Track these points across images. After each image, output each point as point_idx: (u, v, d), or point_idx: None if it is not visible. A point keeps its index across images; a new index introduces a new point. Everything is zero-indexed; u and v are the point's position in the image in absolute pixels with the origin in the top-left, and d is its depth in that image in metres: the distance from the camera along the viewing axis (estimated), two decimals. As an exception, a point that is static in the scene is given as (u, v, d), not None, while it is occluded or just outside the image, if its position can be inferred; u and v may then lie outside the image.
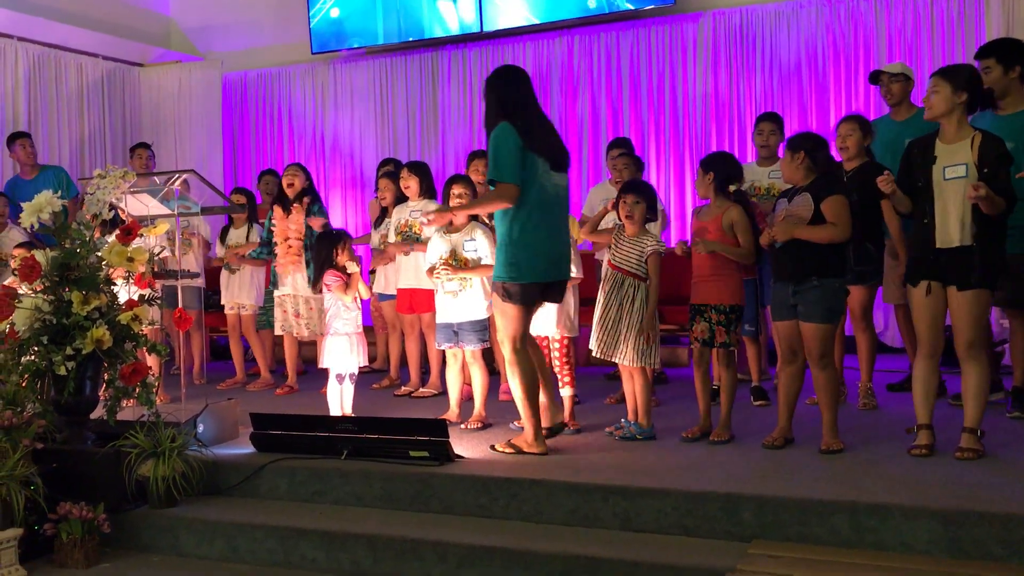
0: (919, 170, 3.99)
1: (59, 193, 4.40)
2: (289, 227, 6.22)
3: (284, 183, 6.36)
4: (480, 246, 4.99)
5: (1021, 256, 4.33)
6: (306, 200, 6.25)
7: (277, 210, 6.31)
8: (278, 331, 6.45)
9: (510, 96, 4.14)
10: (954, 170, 3.89)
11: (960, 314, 3.92)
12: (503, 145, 4.03)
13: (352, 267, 5.09)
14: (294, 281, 6.23)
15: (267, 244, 6.39)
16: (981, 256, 3.85)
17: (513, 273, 4.11)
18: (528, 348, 4.25)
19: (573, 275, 4.73)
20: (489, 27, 8.50)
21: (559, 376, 4.83)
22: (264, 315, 6.84)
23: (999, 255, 3.96)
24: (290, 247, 6.19)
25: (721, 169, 4.50)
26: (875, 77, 5.43)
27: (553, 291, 4.27)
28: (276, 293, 6.39)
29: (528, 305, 4.18)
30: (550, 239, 4.15)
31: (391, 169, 6.64)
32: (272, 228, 6.33)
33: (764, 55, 7.79)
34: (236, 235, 6.75)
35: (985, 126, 4.20)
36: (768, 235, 4.22)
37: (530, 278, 4.12)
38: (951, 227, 3.89)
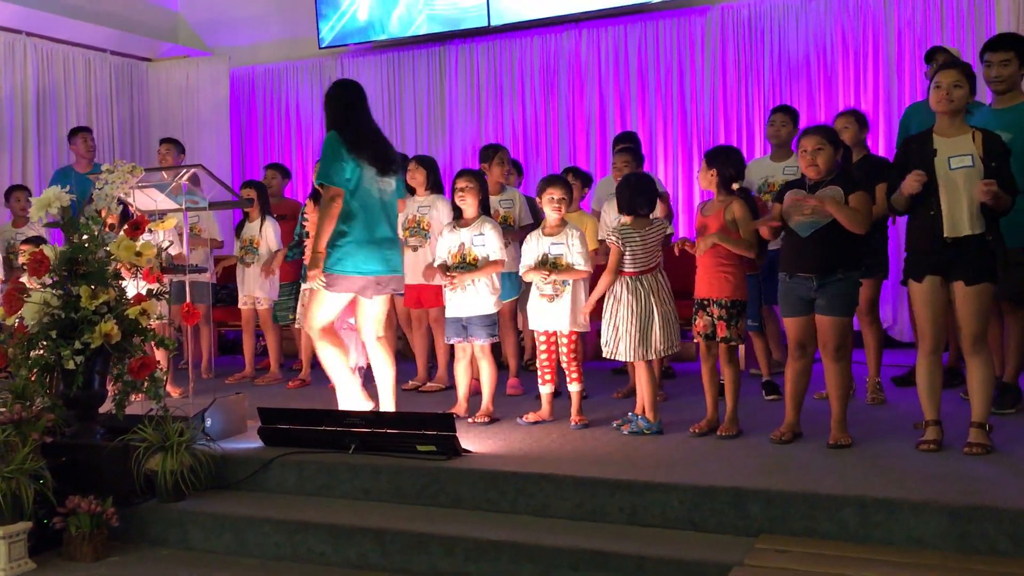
0: (920, 164, 3.97)
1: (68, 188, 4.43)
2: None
3: (313, 177, 6.37)
4: (489, 241, 4.98)
5: (1018, 250, 4.33)
6: None
7: (309, 204, 6.35)
8: (297, 325, 6.46)
9: (342, 108, 4.58)
10: (960, 160, 3.87)
11: (966, 309, 3.90)
12: (330, 152, 4.46)
13: None
14: None
15: (299, 244, 6.40)
16: (991, 247, 3.85)
17: (338, 266, 4.52)
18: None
19: (581, 267, 4.74)
20: (496, 21, 8.49)
21: (567, 372, 4.83)
22: (278, 309, 6.85)
23: (1002, 247, 3.95)
24: None
25: (723, 167, 4.48)
26: (929, 56, 5.42)
27: (381, 284, 4.64)
28: (304, 286, 6.41)
29: (345, 294, 4.59)
30: (374, 237, 4.55)
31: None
32: (304, 223, 6.34)
33: (772, 49, 7.76)
34: (251, 228, 6.75)
35: (983, 118, 4.19)
36: (773, 223, 4.17)
37: (353, 271, 4.52)
38: (963, 215, 3.86)
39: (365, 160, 4.52)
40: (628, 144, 6.04)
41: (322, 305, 4.60)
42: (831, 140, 4.16)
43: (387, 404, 4.73)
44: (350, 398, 4.72)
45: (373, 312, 4.72)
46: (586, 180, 6.34)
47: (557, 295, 4.77)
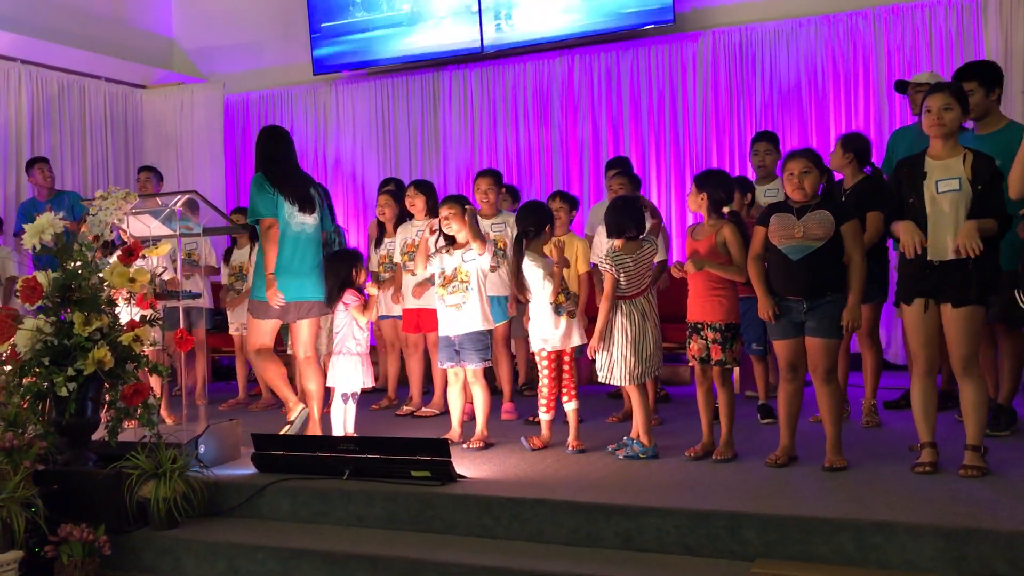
0: (910, 187, 3.99)
1: (61, 215, 4.43)
2: None
3: None
4: (482, 263, 4.99)
5: (1008, 273, 4.34)
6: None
7: None
8: (290, 351, 6.44)
9: (268, 151, 5.11)
10: (947, 184, 3.89)
11: (955, 331, 3.91)
12: (256, 191, 5.00)
13: (372, 289, 5.12)
14: None
15: None
16: (976, 271, 3.85)
17: (259, 293, 5.03)
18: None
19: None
20: (490, 47, 8.55)
21: (564, 389, 4.82)
22: None
23: (993, 270, 3.95)
24: None
25: (714, 190, 4.50)
26: (901, 87, 5.46)
27: (303, 309, 5.11)
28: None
29: (273, 319, 5.09)
30: (292, 267, 5.02)
31: (392, 188, 6.66)
32: None
33: (764, 73, 7.83)
34: (240, 255, 6.76)
35: (966, 144, 4.21)
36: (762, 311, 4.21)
37: (298, 296, 5.03)
38: (946, 240, 3.89)
39: (285, 198, 5.01)
40: (621, 168, 6.07)
41: (253, 330, 5.15)
42: (817, 164, 4.19)
43: (314, 418, 5.13)
44: (298, 418, 5.07)
45: (299, 335, 5.21)
46: (573, 203, 6.37)
47: (465, 302, 4.89)
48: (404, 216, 6.17)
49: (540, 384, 4.93)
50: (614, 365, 4.52)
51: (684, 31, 8.04)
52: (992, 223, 3.84)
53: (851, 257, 4.12)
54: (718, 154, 7.97)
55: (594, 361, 4.66)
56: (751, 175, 6.65)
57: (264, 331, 5.13)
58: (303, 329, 5.19)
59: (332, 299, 5.06)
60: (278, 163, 5.06)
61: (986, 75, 4.73)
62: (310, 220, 5.13)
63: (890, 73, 7.32)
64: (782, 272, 4.17)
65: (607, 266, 4.54)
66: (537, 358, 4.93)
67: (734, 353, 4.45)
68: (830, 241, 4.09)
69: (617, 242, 4.61)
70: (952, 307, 3.90)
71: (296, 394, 5.22)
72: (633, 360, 4.48)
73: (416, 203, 5.95)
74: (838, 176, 5.18)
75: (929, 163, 3.98)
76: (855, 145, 5.05)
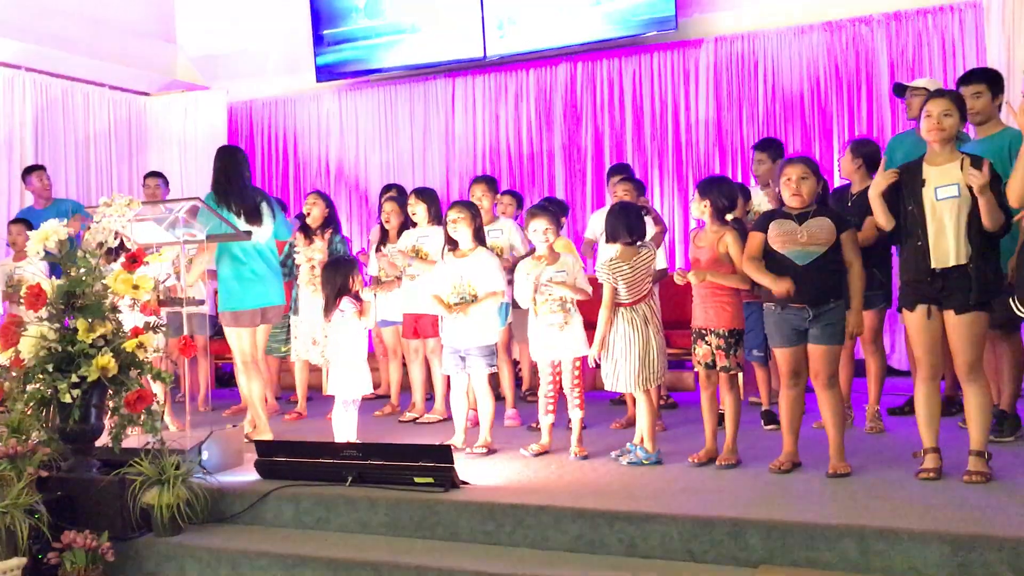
0: (908, 194, 4.00)
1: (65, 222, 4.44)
2: (314, 255, 6.31)
3: (304, 211, 6.50)
4: (487, 272, 5.00)
5: (1003, 277, 4.34)
6: (328, 232, 6.38)
7: (299, 236, 6.45)
8: (293, 357, 6.50)
9: (220, 170, 5.41)
10: (946, 190, 3.90)
11: (958, 337, 3.91)
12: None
13: (368, 295, 5.12)
14: (312, 309, 6.28)
15: (289, 273, 6.55)
16: (977, 276, 3.85)
17: (230, 303, 5.31)
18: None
19: (581, 297, 4.76)
20: (493, 55, 8.57)
21: (569, 398, 4.82)
22: (272, 342, 6.86)
23: (995, 275, 3.96)
24: (315, 274, 6.24)
25: (717, 197, 4.50)
26: (900, 90, 5.49)
27: (268, 314, 5.41)
28: (294, 319, 6.47)
29: (247, 326, 5.33)
30: (250, 275, 5.30)
31: (394, 195, 6.69)
32: (295, 254, 6.49)
33: (766, 80, 7.84)
34: None
35: (967, 150, 4.23)
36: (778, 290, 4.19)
37: (237, 306, 5.30)
38: (948, 246, 3.89)
39: (230, 211, 5.29)
40: (625, 175, 6.08)
41: (236, 341, 5.39)
42: (815, 171, 4.20)
43: (259, 421, 5.37)
44: (260, 423, 5.38)
45: (254, 338, 5.44)
46: (563, 208, 6.40)
47: (566, 323, 4.78)
48: (408, 224, 6.19)
49: (540, 390, 4.93)
50: (619, 372, 4.52)
51: (687, 38, 8.06)
52: (1001, 213, 3.84)
53: (851, 264, 4.14)
54: (720, 161, 7.98)
55: (598, 367, 4.66)
56: (751, 182, 6.66)
57: (245, 340, 5.37)
58: (260, 334, 5.47)
59: (329, 306, 5.07)
60: (228, 180, 5.36)
61: (993, 80, 4.79)
62: (263, 229, 5.38)
63: (893, 80, 7.31)
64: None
65: (605, 276, 4.54)
66: (539, 365, 4.94)
67: (738, 359, 4.46)
68: (832, 247, 4.10)
69: (616, 249, 4.61)
70: (955, 313, 3.90)
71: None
72: (638, 366, 4.48)
73: (417, 211, 5.96)
74: (841, 183, 5.19)
75: (927, 170, 3.99)
76: (864, 151, 5.06)
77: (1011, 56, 6.59)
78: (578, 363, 4.85)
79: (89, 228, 4.59)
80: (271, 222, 5.42)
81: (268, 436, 5.20)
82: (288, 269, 6.61)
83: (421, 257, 5.82)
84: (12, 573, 3.73)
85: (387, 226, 6.39)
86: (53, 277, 4.35)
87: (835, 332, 4.13)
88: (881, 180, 4.04)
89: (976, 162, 3.91)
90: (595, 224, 6.22)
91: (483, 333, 4.99)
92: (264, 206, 5.39)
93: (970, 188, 3.85)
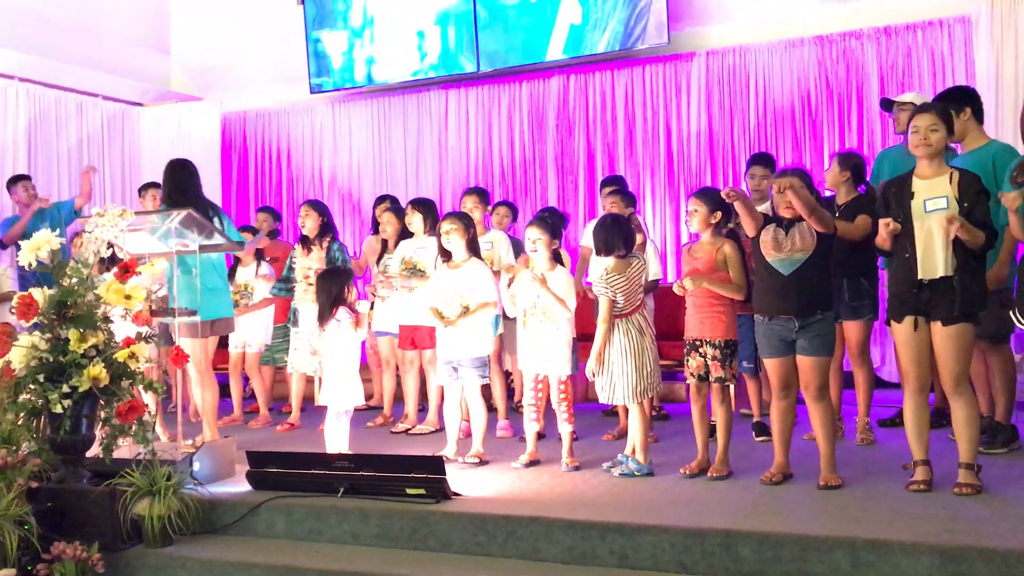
0: (897, 207, 4.03)
1: (57, 232, 4.44)
2: (311, 265, 6.32)
3: (299, 223, 6.57)
4: (480, 283, 5.01)
5: (996, 291, 4.37)
6: (326, 240, 6.40)
7: (299, 248, 6.51)
8: (289, 369, 6.51)
9: (177, 182, 5.45)
10: (935, 203, 3.93)
11: (946, 349, 3.94)
12: None
13: (364, 306, 5.13)
14: (311, 319, 6.30)
15: (285, 280, 6.65)
16: (961, 288, 3.88)
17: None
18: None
19: (567, 316, 4.77)
20: (486, 67, 8.60)
21: (557, 413, 4.83)
22: (268, 352, 6.87)
23: (980, 288, 3.98)
24: (310, 284, 6.26)
25: (716, 208, 4.52)
26: (887, 105, 5.53)
27: (217, 326, 5.44)
28: (293, 331, 6.49)
29: (200, 337, 5.35)
30: (203, 287, 5.29)
31: (392, 206, 6.71)
32: (293, 265, 6.56)
33: (758, 93, 7.88)
34: (244, 273, 6.76)
35: (953, 164, 4.26)
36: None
37: (206, 315, 5.30)
38: (936, 258, 3.92)
39: None
40: (617, 187, 6.10)
41: (195, 350, 5.31)
42: (808, 183, 4.22)
43: (211, 430, 5.41)
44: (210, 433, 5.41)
45: (207, 349, 5.48)
46: (562, 220, 6.42)
47: (549, 319, 4.78)
48: (405, 233, 6.21)
49: (524, 399, 4.94)
50: (615, 384, 4.52)
51: (679, 51, 8.10)
52: (980, 234, 3.87)
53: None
54: (712, 174, 8.01)
55: (592, 379, 4.66)
56: (748, 193, 6.68)
57: (199, 350, 5.35)
58: (210, 344, 5.51)
59: (324, 316, 5.06)
60: (183, 193, 5.38)
61: (955, 98, 4.83)
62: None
63: (883, 93, 7.36)
64: (773, 290, 4.21)
65: (604, 290, 4.55)
66: (524, 375, 4.95)
67: (733, 370, 4.47)
68: (814, 254, 4.12)
69: (610, 262, 4.62)
70: (942, 325, 3.93)
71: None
72: (635, 377, 4.48)
73: (414, 221, 5.97)
74: (831, 193, 5.22)
75: (916, 183, 4.02)
76: (852, 163, 5.09)
77: (1000, 69, 6.65)
78: (564, 379, 4.85)
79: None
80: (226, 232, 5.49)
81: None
82: (289, 283, 6.63)
83: (417, 273, 5.83)
84: (1, 584, 3.71)
85: (384, 235, 6.40)
86: (46, 288, 4.34)
87: (823, 344, 4.15)
88: (883, 232, 4.03)
89: (970, 178, 3.93)
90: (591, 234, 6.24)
91: (476, 344, 5.00)
92: (216, 220, 5.42)
93: (958, 200, 3.88)
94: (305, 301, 6.38)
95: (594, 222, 6.51)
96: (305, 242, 6.49)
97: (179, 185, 5.43)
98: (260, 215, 7.12)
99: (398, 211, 6.35)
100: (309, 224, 6.45)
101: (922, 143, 4.00)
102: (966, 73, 7.01)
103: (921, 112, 4.08)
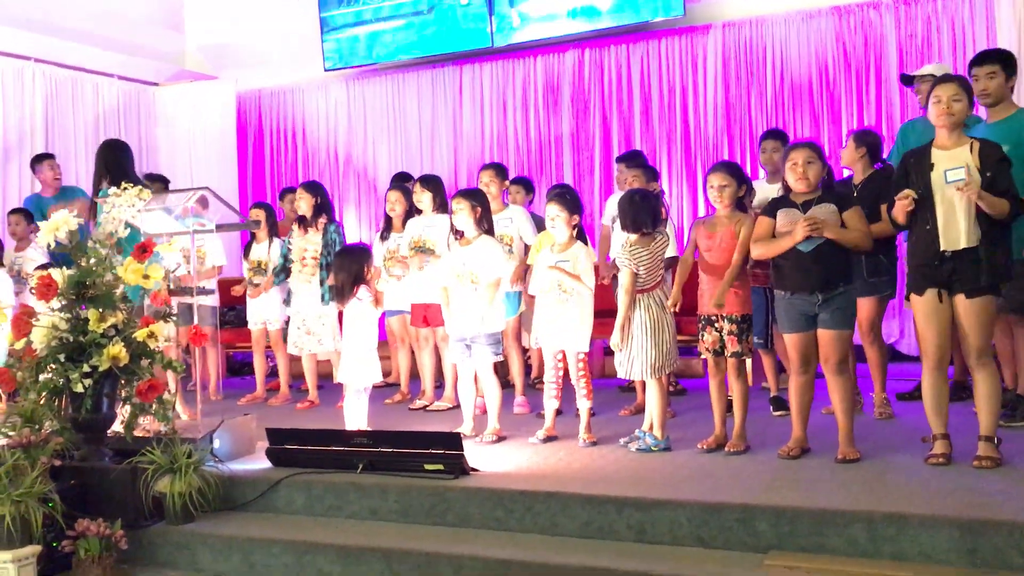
0: (917, 179, 3.98)
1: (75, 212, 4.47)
2: (307, 246, 6.34)
3: (294, 205, 6.63)
4: (488, 259, 5.00)
5: (1020, 261, 4.33)
6: (322, 220, 6.37)
7: (296, 229, 6.51)
8: (290, 350, 6.55)
9: (116, 161, 5.51)
10: (955, 173, 3.87)
11: (968, 322, 3.90)
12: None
13: (382, 283, 5.14)
14: (306, 298, 6.33)
15: (283, 267, 6.64)
16: (988, 259, 3.84)
17: None
18: None
19: (586, 283, 4.76)
20: (500, 42, 8.55)
21: (576, 388, 4.83)
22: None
23: (1005, 258, 3.94)
24: (305, 265, 6.31)
25: (740, 182, 4.50)
26: (907, 80, 5.49)
27: None
28: (288, 311, 6.53)
29: None
30: None
31: (402, 184, 6.70)
32: (290, 247, 6.56)
33: (774, 65, 7.80)
34: (258, 250, 6.80)
35: (980, 134, 4.20)
36: (796, 236, 4.15)
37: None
38: (958, 229, 3.87)
39: None
40: (638, 161, 6.08)
41: None
42: (820, 155, 4.19)
43: None
44: None
45: None
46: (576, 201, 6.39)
47: (565, 312, 4.76)
48: (413, 211, 6.21)
49: (545, 376, 4.95)
50: (634, 359, 4.51)
51: (695, 24, 8.02)
52: (1004, 202, 3.82)
53: (857, 230, 4.12)
54: (728, 147, 7.95)
55: (610, 355, 4.65)
56: (754, 174, 6.66)
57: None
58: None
59: (345, 294, 5.06)
60: (124, 173, 5.40)
61: (1007, 61, 4.73)
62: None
63: (902, 65, 7.29)
64: (795, 267, 4.17)
65: (626, 261, 4.53)
66: (544, 351, 4.96)
67: (749, 344, 4.46)
68: (842, 229, 4.09)
69: (632, 235, 4.60)
70: (965, 297, 3.89)
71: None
72: (655, 353, 4.47)
73: (423, 199, 5.97)
74: (847, 172, 5.17)
75: (936, 154, 3.97)
76: (867, 140, 5.04)
77: (1021, 39, 6.55)
78: (582, 355, 4.86)
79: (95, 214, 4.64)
80: None
81: None
82: (286, 264, 6.61)
83: (426, 251, 5.82)
84: (27, 561, 3.77)
85: (391, 214, 6.40)
86: (64, 268, 4.37)
87: (844, 317, 4.13)
88: (898, 206, 3.99)
89: (990, 148, 3.88)
90: (611, 207, 6.21)
91: (488, 321, 4.99)
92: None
93: (979, 170, 3.83)
94: (299, 281, 6.40)
95: (614, 199, 6.52)
96: (302, 223, 6.50)
97: (120, 165, 5.49)
98: (252, 211, 7.07)
99: (404, 189, 6.36)
100: (303, 206, 6.48)
101: (944, 113, 3.94)
102: (988, 43, 6.90)
103: (943, 82, 4.02)
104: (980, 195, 3.77)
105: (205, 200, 5.76)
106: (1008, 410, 4.59)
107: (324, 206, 6.52)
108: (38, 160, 7.54)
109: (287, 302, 6.59)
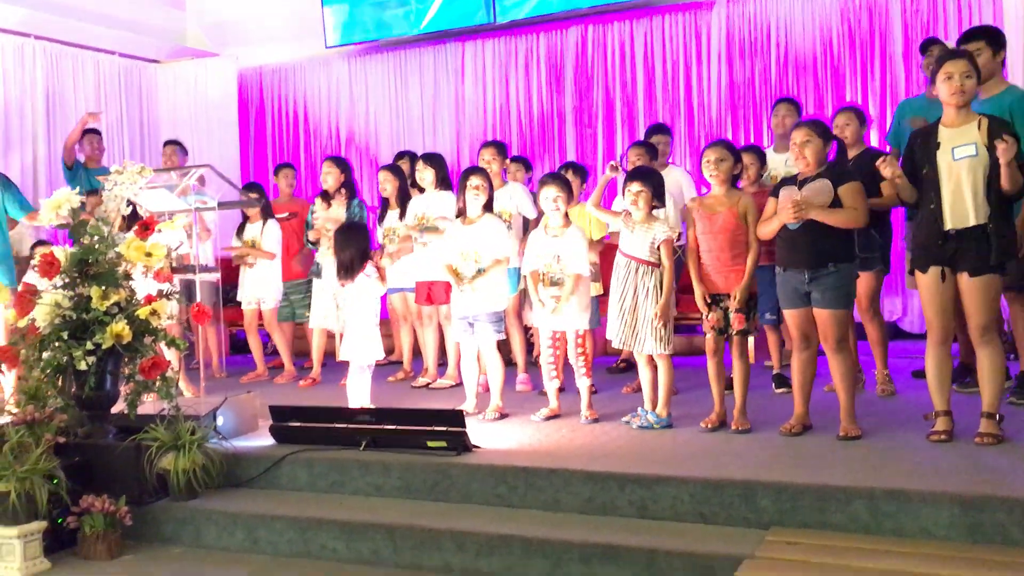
0: (923, 158, 3.96)
1: (78, 190, 4.47)
2: (328, 219, 6.34)
3: (320, 178, 6.65)
4: (493, 238, 5.00)
5: None
6: (344, 192, 6.45)
7: (319, 202, 6.54)
8: (312, 324, 6.55)
9: None
10: (963, 150, 3.84)
11: (972, 299, 3.88)
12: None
13: (386, 261, 5.13)
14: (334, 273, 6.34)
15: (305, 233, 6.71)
16: (997, 236, 3.81)
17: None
18: None
19: (578, 269, 4.75)
20: (502, 19, 8.49)
21: (575, 367, 4.83)
22: (287, 307, 6.91)
23: (1012, 235, 3.93)
24: (330, 239, 6.29)
25: (735, 161, 4.49)
26: (925, 48, 5.46)
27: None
28: (317, 283, 6.52)
29: None
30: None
31: (391, 163, 6.72)
32: (313, 221, 6.57)
33: (779, 42, 7.74)
34: (251, 229, 6.80)
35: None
36: (781, 218, 4.15)
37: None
38: (966, 206, 3.84)
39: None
40: (648, 140, 6.10)
41: None
42: (820, 133, 4.17)
43: None
44: None
45: None
46: (584, 175, 6.37)
47: (561, 294, 4.76)
48: (405, 189, 6.21)
49: (542, 357, 4.95)
50: (644, 335, 4.51)
51: (698, -1, 7.97)
52: (1021, 178, 3.78)
53: (851, 208, 4.08)
54: (732, 123, 7.91)
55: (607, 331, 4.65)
56: (770, 142, 6.61)
57: None
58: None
59: (353, 271, 5.03)
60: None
61: (993, 37, 4.69)
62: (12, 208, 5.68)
63: (907, 41, 7.23)
64: (785, 243, 4.20)
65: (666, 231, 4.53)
66: (540, 332, 4.96)
67: (755, 323, 4.47)
68: (827, 209, 4.07)
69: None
70: (969, 275, 3.87)
71: None
72: (663, 329, 4.48)
73: (425, 176, 5.95)
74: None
75: (943, 132, 3.94)
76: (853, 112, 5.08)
77: (1029, 17, 6.50)
78: (581, 334, 4.85)
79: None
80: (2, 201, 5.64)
81: None
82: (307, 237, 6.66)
83: (429, 228, 5.81)
84: (33, 536, 3.79)
85: (384, 194, 6.39)
86: (66, 246, 4.37)
87: (837, 296, 4.11)
88: (884, 172, 3.96)
89: (999, 124, 3.85)
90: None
91: (491, 299, 4.99)
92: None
93: (987, 148, 3.80)
94: (328, 255, 6.38)
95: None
96: (326, 196, 6.50)
97: None
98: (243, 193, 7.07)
99: (394, 168, 6.37)
100: (330, 180, 6.51)
101: (957, 90, 3.89)
102: (994, 18, 6.84)
103: (954, 58, 3.97)
104: (1010, 164, 3.71)
105: (205, 178, 5.76)
106: (1015, 388, 4.59)
107: (350, 182, 6.54)
108: (83, 134, 7.41)
109: (317, 274, 6.56)
